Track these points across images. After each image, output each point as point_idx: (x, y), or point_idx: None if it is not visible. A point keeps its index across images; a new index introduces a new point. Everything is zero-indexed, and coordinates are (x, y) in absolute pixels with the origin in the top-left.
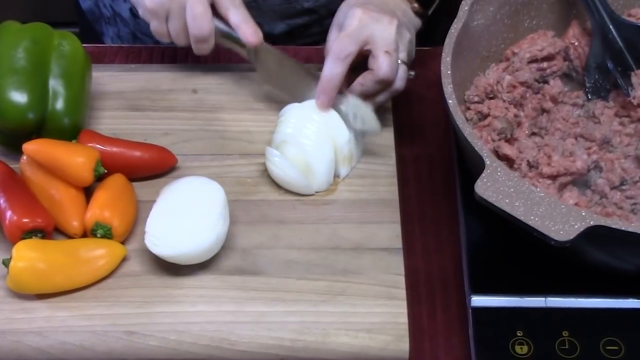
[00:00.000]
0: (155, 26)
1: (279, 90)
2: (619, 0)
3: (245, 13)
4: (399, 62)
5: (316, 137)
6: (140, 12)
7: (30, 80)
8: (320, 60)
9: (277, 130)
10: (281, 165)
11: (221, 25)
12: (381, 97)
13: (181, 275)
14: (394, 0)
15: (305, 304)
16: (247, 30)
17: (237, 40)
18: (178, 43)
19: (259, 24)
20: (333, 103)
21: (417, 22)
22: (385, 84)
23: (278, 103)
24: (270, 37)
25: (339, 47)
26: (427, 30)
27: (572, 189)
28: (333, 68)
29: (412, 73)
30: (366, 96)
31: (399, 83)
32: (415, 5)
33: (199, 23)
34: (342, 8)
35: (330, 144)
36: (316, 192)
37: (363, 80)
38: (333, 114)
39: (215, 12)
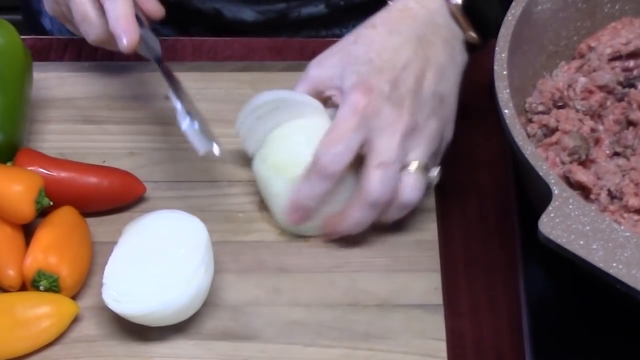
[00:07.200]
0: (72, 30)
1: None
2: None
3: (121, 4)
4: (411, 170)
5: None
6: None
7: None
8: None
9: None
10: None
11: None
12: (390, 216)
13: (151, 341)
14: (435, 29)
15: None
16: (119, 27)
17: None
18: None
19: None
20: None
21: (463, 59)
22: (378, 206)
23: None
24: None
25: (329, 157)
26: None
27: None
28: (315, 186)
29: (434, 175)
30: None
31: (406, 196)
32: (472, 33)
33: (85, 29)
34: (363, 31)
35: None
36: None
37: (351, 211)
38: None
39: None
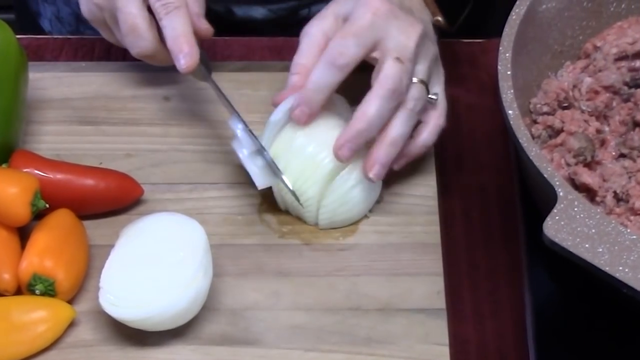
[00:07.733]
0: (105, 36)
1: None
2: None
3: (180, 22)
4: (415, 80)
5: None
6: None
7: None
8: None
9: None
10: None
11: None
12: (396, 128)
13: (148, 346)
14: (417, 6)
15: None
16: (177, 46)
17: None
18: None
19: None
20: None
21: (435, 36)
22: (393, 100)
23: None
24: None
25: (338, 47)
26: (477, 18)
27: None
28: (324, 75)
29: (434, 97)
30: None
31: (411, 103)
32: (440, 19)
33: (131, 40)
34: None
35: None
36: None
37: (369, 104)
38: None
39: None
